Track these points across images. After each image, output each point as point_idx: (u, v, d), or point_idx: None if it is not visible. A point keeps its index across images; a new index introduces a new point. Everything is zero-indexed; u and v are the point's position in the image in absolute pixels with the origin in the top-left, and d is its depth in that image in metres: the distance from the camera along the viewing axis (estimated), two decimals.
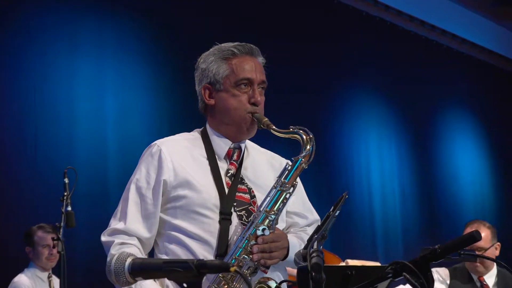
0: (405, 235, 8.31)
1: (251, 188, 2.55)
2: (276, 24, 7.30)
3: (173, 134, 2.72)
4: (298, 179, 2.53)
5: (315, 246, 2.03)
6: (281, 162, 2.72)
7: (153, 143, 2.58)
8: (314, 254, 1.91)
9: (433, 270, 3.97)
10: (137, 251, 2.42)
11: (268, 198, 2.44)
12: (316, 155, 7.38)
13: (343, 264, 4.75)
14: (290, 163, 2.51)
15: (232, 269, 1.58)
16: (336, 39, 7.99)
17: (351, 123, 8.05)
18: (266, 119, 2.54)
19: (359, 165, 8.04)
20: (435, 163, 9.10)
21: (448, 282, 4.28)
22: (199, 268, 1.57)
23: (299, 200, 2.64)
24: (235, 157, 2.59)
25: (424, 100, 9.10)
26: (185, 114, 6.45)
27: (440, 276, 4.35)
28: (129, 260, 1.72)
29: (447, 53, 9.58)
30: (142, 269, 1.70)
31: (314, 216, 2.71)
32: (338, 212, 2.23)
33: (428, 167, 8.98)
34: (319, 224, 2.24)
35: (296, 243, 2.51)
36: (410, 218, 8.50)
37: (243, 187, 2.53)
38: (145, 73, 6.42)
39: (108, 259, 1.81)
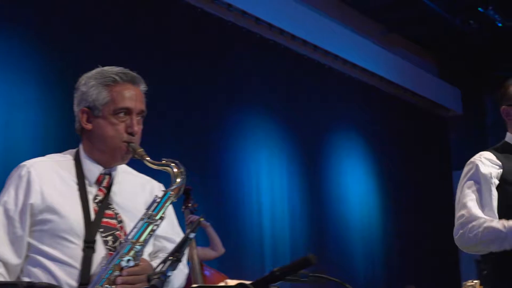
0: (294, 255, 8.45)
1: (118, 213, 2.58)
2: (166, 41, 7.35)
3: (61, 151, 2.72)
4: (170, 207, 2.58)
5: (166, 268, 2.09)
6: (152, 185, 2.77)
7: (22, 164, 2.58)
8: (155, 277, 1.98)
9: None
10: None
11: (135, 229, 2.47)
12: (207, 174, 7.33)
13: (222, 284, 4.82)
14: (159, 195, 2.54)
15: None
16: (228, 60, 8.09)
17: (243, 143, 8.13)
18: (141, 149, 2.57)
19: (250, 185, 8.13)
20: (325, 184, 9.31)
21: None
22: None
23: (169, 224, 2.68)
24: (104, 183, 2.62)
25: (316, 122, 9.32)
26: (73, 132, 6.41)
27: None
28: None
29: (338, 77, 9.85)
30: None
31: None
32: (193, 235, 2.30)
33: (318, 188, 9.17)
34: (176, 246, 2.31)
35: None
36: (299, 239, 8.65)
37: (110, 212, 2.56)
38: (33, 89, 6.33)
39: None
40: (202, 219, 2.36)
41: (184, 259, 2.69)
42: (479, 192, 3.61)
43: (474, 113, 11.71)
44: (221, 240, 6.39)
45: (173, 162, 2.57)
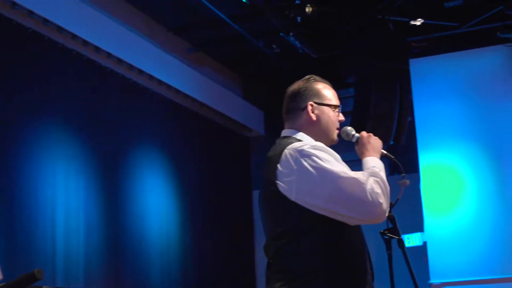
0: (87, 271, 8.25)
1: None
2: None
3: None
4: None
5: None
6: None
7: None
8: None
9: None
10: None
11: None
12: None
13: None
14: None
15: None
16: (26, 67, 7.79)
17: (38, 154, 7.83)
18: None
19: (44, 198, 7.84)
20: (124, 200, 9.17)
21: None
22: None
23: None
24: None
25: (117, 137, 9.18)
26: None
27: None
28: None
29: (143, 92, 9.80)
30: None
31: None
32: None
33: (117, 203, 9.02)
34: None
35: None
36: (94, 255, 8.44)
37: None
38: None
39: None
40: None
41: None
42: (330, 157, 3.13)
43: (275, 135, 11.96)
44: (10, 253, 6.14)
45: None
